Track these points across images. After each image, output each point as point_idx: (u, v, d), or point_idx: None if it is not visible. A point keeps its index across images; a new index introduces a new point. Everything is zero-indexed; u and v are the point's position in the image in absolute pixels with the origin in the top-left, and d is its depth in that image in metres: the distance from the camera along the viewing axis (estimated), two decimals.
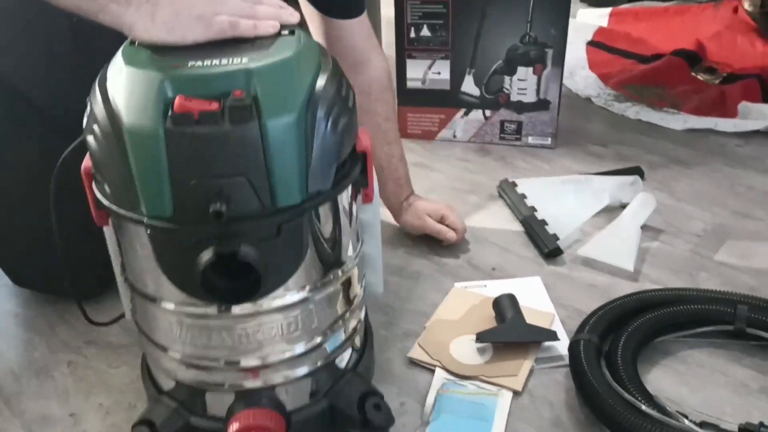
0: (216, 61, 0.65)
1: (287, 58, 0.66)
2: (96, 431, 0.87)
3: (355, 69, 1.05)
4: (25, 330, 1.04)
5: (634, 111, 1.65)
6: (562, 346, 0.95)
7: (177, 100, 0.61)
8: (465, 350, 0.95)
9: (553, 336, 0.95)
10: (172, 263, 0.69)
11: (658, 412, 0.78)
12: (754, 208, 1.27)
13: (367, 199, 0.78)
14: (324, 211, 0.71)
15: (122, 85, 0.65)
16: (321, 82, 0.68)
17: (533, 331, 0.96)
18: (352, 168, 0.73)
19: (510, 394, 0.89)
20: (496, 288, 1.05)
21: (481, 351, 0.95)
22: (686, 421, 0.75)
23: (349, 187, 0.74)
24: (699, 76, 1.78)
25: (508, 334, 0.96)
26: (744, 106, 1.58)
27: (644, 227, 1.20)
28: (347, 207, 0.75)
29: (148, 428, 0.75)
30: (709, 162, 1.44)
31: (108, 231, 0.77)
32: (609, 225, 1.20)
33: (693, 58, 1.83)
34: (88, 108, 0.69)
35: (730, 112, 1.59)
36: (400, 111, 1.55)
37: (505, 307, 0.99)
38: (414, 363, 0.94)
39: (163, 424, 0.75)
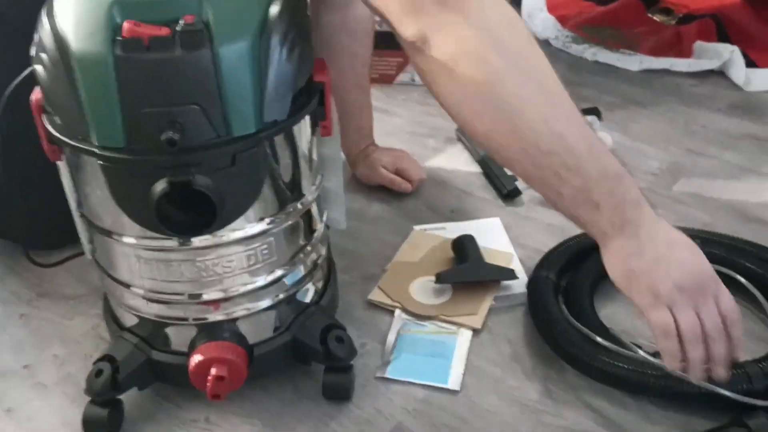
0: None
1: None
2: (52, 382, 0.85)
3: (345, 6, 1.02)
4: None
5: (591, 52, 1.65)
6: (520, 284, 0.95)
7: (126, 25, 0.59)
8: (425, 291, 0.95)
9: (511, 275, 0.95)
10: (126, 195, 0.67)
11: (613, 343, 0.79)
12: (708, 146, 1.29)
13: (326, 132, 0.77)
14: (280, 141, 0.70)
15: (70, 11, 0.63)
16: (276, 7, 0.65)
17: (492, 270, 0.97)
18: (310, 98, 0.72)
19: (469, 332, 0.89)
20: (455, 230, 1.05)
21: (440, 291, 0.95)
22: (641, 352, 0.77)
23: (307, 118, 0.72)
24: (655, 17, 1.78)
25: (468, 274, 0.96)
26: (699, 45, 1.59)
27: None
28: (306, 139, 0.74)
29: (109, 364, 0.75)
30: (665, 102, 1.45)
31: (62, 166, 0.75)
32: None
33: None
34: (36, 36, 0.66)
35: (686, 52, 1.60)
36: None
37: (465, 247, 1.00)
38: (374, 305, 0.94)
39: (124, 359, 0.75)
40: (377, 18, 0.74)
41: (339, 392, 0.80)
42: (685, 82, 1.52)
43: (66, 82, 0.62)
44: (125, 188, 0.67)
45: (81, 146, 0.65)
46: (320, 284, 0.85)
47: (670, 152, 1.28)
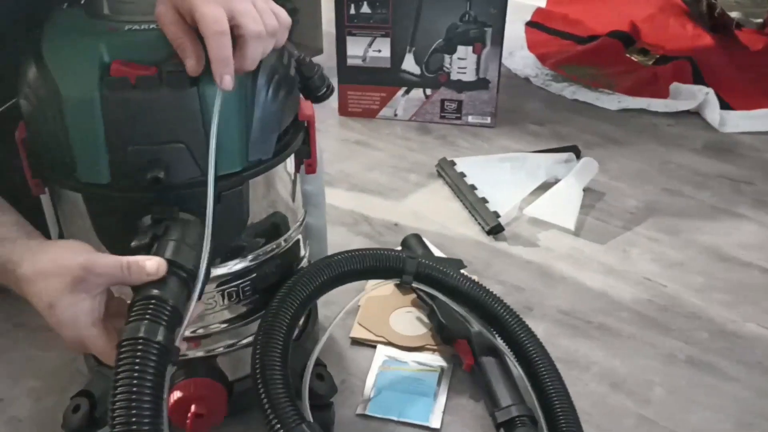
0: (153, 25, 0.64)
1: None
2: (26, 416, 0.84)
3: None
4: None
5: (570, 91, 1.68)
6: None
7: (113, 65, 0.60)
8: (404, 322, 0.96)
9: (460, 264, 0.99)
10: (109, 231, 0.67)
11: None
12: (683, 185, 1.32)
13: (311, 170, 0.78)
14: (265, 179, 0.70)
15: (58, 49, 0.63)
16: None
17: (442, 262, 0.96)
18: (294, 137, 0.73)
19: (450, 369, 0.90)
20: None
21: (420, 321, 0.96)
22: None
23: (292, 157, 0.73)
24: (633, 57, 1.82)
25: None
26: (675, 86, 1.63)
27: (586, 190, 1.25)
28: (290, 177, 0.75)
29: (87, 399, 0.74)
30: (642, 141, 1.48)
31: (45, 199, 0.74)
32: (553, 187, 1.25)
33: (627, 39, 1.88)
34: (22, 73, 0.66)
35: (662, 93, 1.63)
36: (341, 89, 1.54)
37: (413, 245, 1.06)
38: (356, 342, 0.95)
39: (102, 394, 0.74)
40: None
41: (321, 429, 0.79)
42: (662, 121, 1.56)
43: (52, 119, 0.62)
44: (108, 224, 0.67)
45: (66, 182, 0.65)
46: (301, 321, 0.85)
47: (646, 191, 1.30)
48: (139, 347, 0.53)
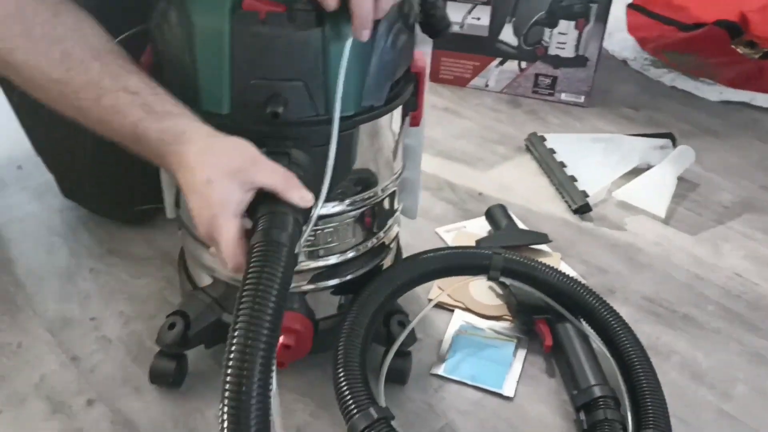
0: None
1: None
2: (115, 337, 0.88)
3: None
4: (48, 233, 1.05)
5: (669, 78, 1.62)
6: None
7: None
8: (484, 291, 0.96)
9: (544, 239, 0.99)
10: None
11: None
12: None
13: (416, 122, 0.78)
14: (374, 126, 0.71)
15: None
16: None
17: (526, 236, 1.02)
18: (405, 88, 0.73)
19: (526, 341, 0.89)
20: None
21: (498, 290, 0.95)
22: None
23: (400, 108, 0.73)
24: (739, 49, 1.74)
25: (503, 239, 1.00)
26: None
27: (680, 179, 1.21)
28: (396, 126, 0.75)
29: (182, 319, 0.77)
30: (741, 135, 1.42)
31: None
32: (646, 172, 1.21)
33: (734, 30, 1.79)
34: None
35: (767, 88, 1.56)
36: (435, 54, 1.52)
37: (498, 215, 1.05)
38: (435, 304, 0.95)
39: (196, 317, 0.77)
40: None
41: (397, 376, 0.81)
42: (765, 117, 1.49)
43: (182, 46, 0.64)
44: None
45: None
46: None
47: (742, 186, 1.25)
48: (272, 249, 0.56)
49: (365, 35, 0.62)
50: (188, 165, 0.61)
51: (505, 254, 0.85)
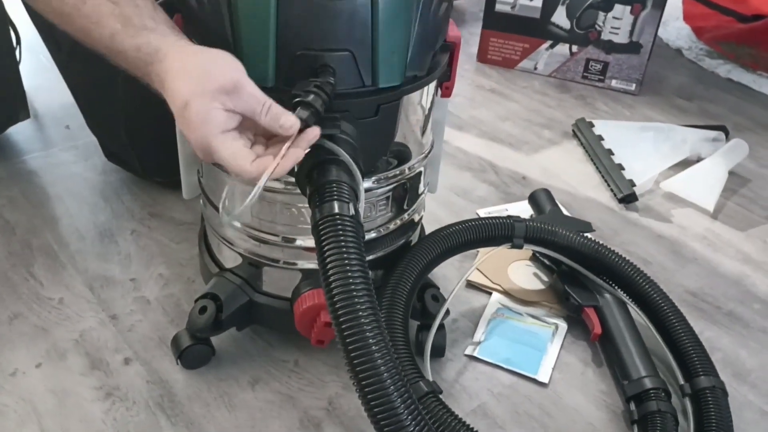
0: None
1: None
2: (154, 298, 0.88)
3: None
4: (92, 193, 1.06)
5: (725, 69, 1.57)
6: None
7: None
8: (523, 275, 0.94)
9: (588, 227, 0.96)
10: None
11: None
12: None
13: (447, 93, 0.77)
14: (415, 96, 0.70)
15: None
16: None
17: (570, 222, 0.99)
18: (442, 58, 0.71)
19: (564, 328, 0.88)
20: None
21: (538, 276, 0.94)
22: None
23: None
24: None
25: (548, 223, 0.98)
26: None
27: (731, 173, 1.18)
28: (430, 97, 0.74)
29: (213, 302, 0.76)
30: None
31: None
32: (697, 164, 1.19)
33: None
34: None
35: None
36: (484, 34, 1.50)
37: (542, 200, 1.03)
38: (472, 285, 0.94)
39: (228, 298, 0.76)
40: None
41: (435, 350, 0.80)
42: None
43: (224, 17, 0.62)
44: None
45: None
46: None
47: None
48: (338, 223, 0.56)
49: None
50: (168, 87, 0.58)
51: (527, 221, 0.84)
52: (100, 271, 0.92)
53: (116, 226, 1.00)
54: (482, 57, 1.52)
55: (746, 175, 1.21)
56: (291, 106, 0.59)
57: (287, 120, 0.57)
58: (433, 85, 0.72)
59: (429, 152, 0.79)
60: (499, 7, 1.46)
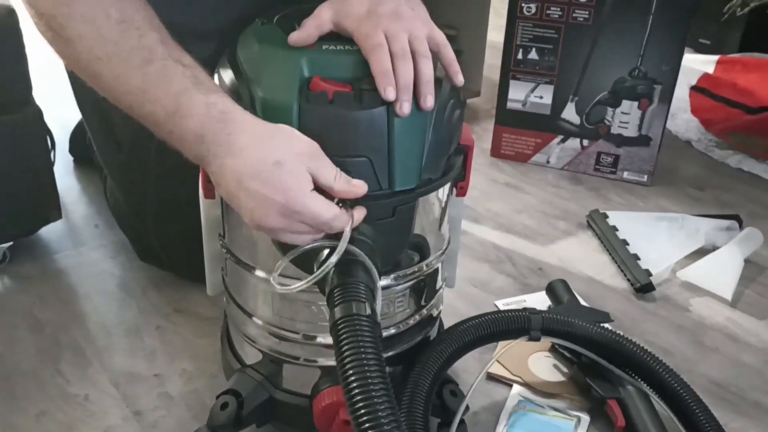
0: (348, 46, 0.69)
1: None
2: (177, 394, 0.89)
3: None
4: (119, 290, 1.09)
5: (735, 159, 1.60)
6: None
7: (314, 80, 0.65)
8: (543, 366, 0.94)
9: (606, 318, 0.97)
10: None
11: None
12: None
13: (462, 192, 0.80)
14: (431, 198, 0.73)
15: (256, 61, 0.69)
16: (440, 74, 0.70)
17: (588, 313, 0.99)
18: (456, 160, 0.75)
19: (587, 421, 0.87)
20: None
21: (558, 367, 0.94)
22: None
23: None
24: None
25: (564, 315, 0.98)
26: None
27: (747, 261, 1.19)
28: (445, 197, 0.77)
29: (234, 398, 0.76)
30: None
31: (206, 203, 0.77)
32: (712, 253, 1.20)
33: None
34: (216, 79, 0.71)
35: None
36: (497, 130, 1.55)
37: (560, 291, 1.04)
38: (491, 377, 0.94)
39: (249, 395, 0.76)
40: None
41: None
42: None
43: None
44: None
45: None
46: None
47: None
48: (356, 323, 0.57)
49: (406, 108, 0.64)
50: (244, 148, 0.59)
51: (543, 313, 0.85)
52: (126, 366, 0.94)
53: (142, 321, 1.02)
54: (496, 152, 1.57)
55: (763, 264, 1.22)
56: None
57: (357, 181, 0.63)
58: (447, 185, 0.76)
59: (446, 249, 0.81)
60: (510, 105, 1.52)
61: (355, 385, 0.54)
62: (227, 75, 0.71)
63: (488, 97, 1.74)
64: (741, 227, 1.28)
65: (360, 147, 0.65)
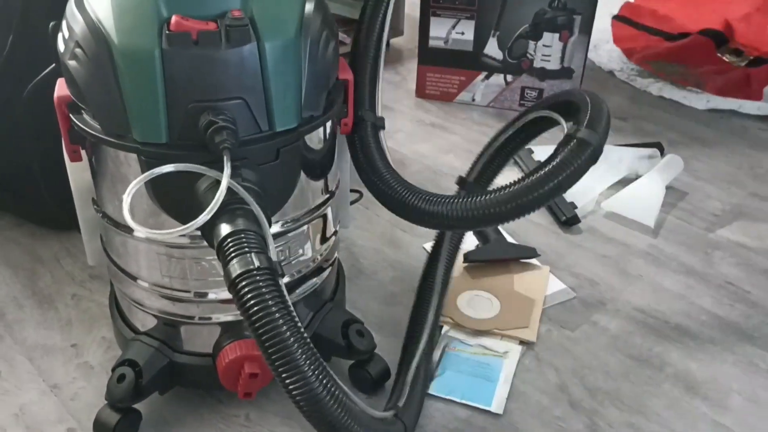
0: None
1: None
2: (97, 363, 0.86)
3: None
4: (30, 259, 1.03)
5: (657, 87, 1.62)
6: (565, 294, 0.98)
7: (174, 20, 0.59)
8: (472, 305, 0.95)
9: (532, 252, 1.00)
10: (165, 190, 0.65)
11: None
12: None
13: (347, 129, 0.78)
14: (315, 136, 0.70)
15: (107, 4, 0.61)
16: (309, 6, 0.66)
17: (515, 249, 1.03)
18: (338, 96, 0.72)
19: (516, 357, 0.88)
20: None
21: (488, 304, 0.94)
22: None
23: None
24: (725, 57, 1.74)
25: (492, 252, 1.02)
26: None
27: (669, 188, 1.21)
28: (330, 135, 0.74)
29: (131, 368, 0.73)
30: (730, 143, 1.42)
31: (73, 167, 0.73)
32: (634, 182, 1.21)
33: (720, 38, 1.79)
34: (65, 31, 0.64)
35: (755, 95, 1.56)
36: (420, 70, 1.52)
37: (487, 229, 1.05)
38: None
39: (147, 363, 0.73)
40: None
41: (368, 383, 0.81)
42: (753, 125, 1.49)
43: (106, 76, 0.60)
44: (166, 183, 0.62)
45: (120, 143, 0.63)
46: (333, 282, 0.86)
47: (732, 194, 1.24)
48: (257, 278, 0.54)
49: None
50: None
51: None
52: (40, 338, 0.89)
53: (56, 291, 0.97)
54: (420, 92, 1.54)
55: (684, 189, 1.24)
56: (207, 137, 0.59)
57: None
58: (330, 123, 0.73)
59: (335, 189, 0.79)
60: (432, 42, 1.48)
61: (267, 338, 0.53)
62: (77, 24, 0.63)
63: (411, 36, 1.70)
64: (662, 155, 1.30)
65: (233, 88, 0.61)
